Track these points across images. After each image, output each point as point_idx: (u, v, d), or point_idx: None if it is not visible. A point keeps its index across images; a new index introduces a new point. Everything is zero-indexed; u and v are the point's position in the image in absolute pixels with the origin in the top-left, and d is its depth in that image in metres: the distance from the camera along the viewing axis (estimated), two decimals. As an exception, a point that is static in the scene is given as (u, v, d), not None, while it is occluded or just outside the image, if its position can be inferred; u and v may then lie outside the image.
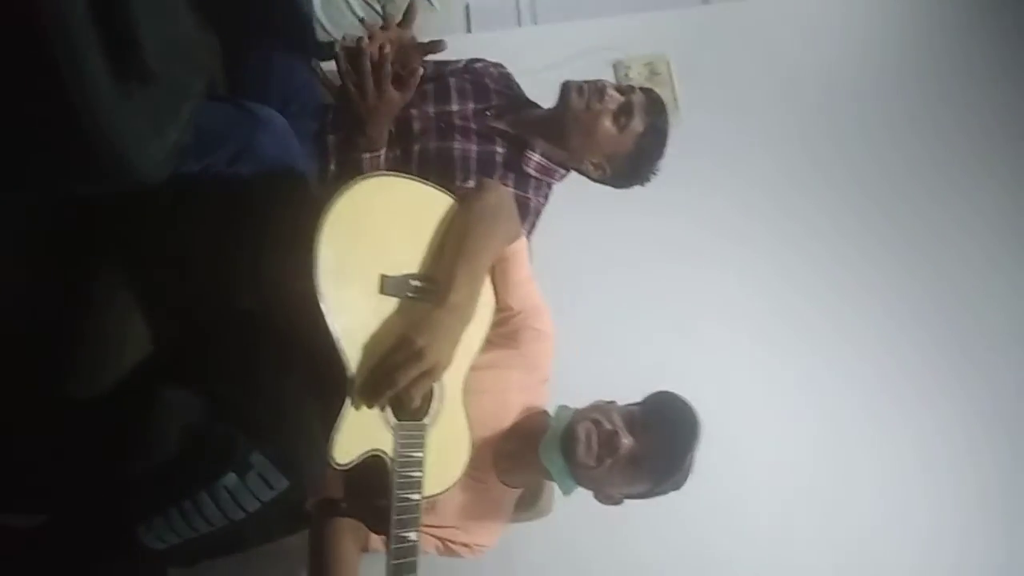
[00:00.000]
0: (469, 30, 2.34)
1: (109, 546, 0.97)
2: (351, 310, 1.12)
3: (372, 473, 1.14)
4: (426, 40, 1.39)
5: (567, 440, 1.35)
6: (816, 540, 2.11)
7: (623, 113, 1.62)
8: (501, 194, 1.33)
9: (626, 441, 1.34)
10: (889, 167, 2.39)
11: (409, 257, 1.22)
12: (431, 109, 1.63)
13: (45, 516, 1.00)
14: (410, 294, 1.19)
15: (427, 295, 1.20)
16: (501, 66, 1.79)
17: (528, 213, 1.61)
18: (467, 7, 2.34)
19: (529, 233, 1.61)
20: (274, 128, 1.21)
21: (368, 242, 1.16)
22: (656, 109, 1.66)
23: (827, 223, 2.33)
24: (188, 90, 0.84)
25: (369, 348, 1.13)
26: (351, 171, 1.48)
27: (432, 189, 1.27)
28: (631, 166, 1.68)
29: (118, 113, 0.65)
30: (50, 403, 1.01)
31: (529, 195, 1.62)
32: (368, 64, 1.35)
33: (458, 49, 1.74)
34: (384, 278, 1.17)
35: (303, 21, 1.39)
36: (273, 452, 0.98)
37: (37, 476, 0.97)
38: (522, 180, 1.61)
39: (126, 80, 0.67)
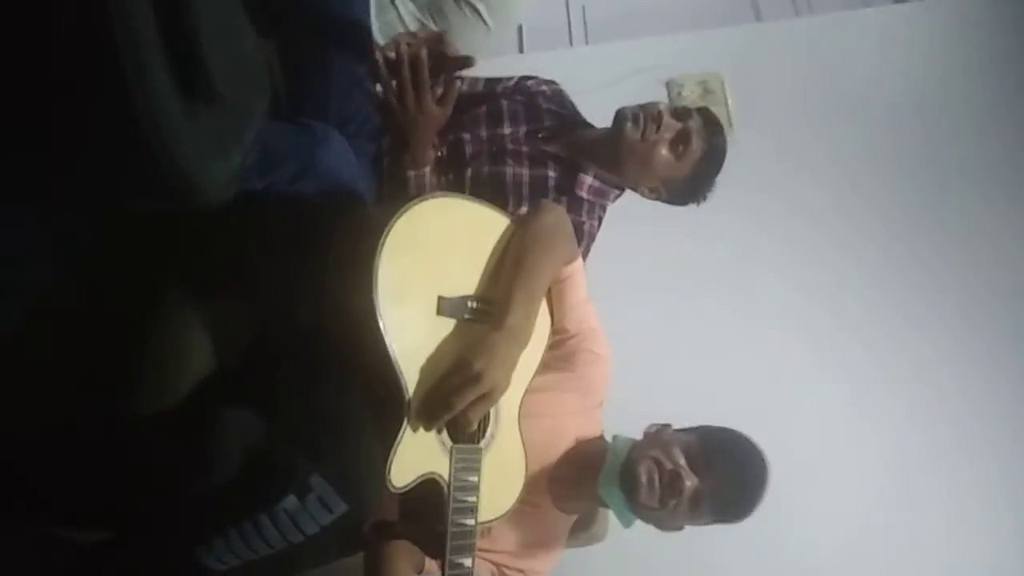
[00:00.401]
0: (522, 50, 2.34)
1: (169, 566, 0.97)
2: (409, 331, 1.11)
3: (428, 497, 1.12)
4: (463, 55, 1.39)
5: (628, 480, 1.32)
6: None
7: (681, 141, 1.59)
8: (558, 215, 1.32)
9: (689, 483, 1.31)
10: (950, 188, 2.31)
11: (467, 278, 1.21)
12: (483, 132, 1.62)
13: (108, 533, 1.00)
14: (467, 316, 1.18)
15: (484, 317, 1.19)
16: (554, 83, 1.77)
17: (582, 236, 1.59)
18: (520, 27, 2.34)
19: (584, 255, 1.60)
20: (334, 145, 1.22)
21: (426, 263, 1.16)
22: (714, 130, 1.63)
23: (885, 246, 2.25)
24: (252, 111, 0.85)
25: (426, 370, 1.13)
26: (398, 190, 1.48)
27: (490, 210, 1.27)
28: (688, 188, 1.66)
29: (185, 134, 0.65)
30: (114, 421, 1.02)
31: (583, 218, 1.61)
32: (407, 72, 1.35)
33: (511, 70, 1.75)
34: (442, 299, 1.16)
35: (363, 37, 1.40)
36: (333, 475, 0.97)
37: (101, 493, 0.97)
38: (575, 203, 1.59)
39: (193, 101, 0.68)
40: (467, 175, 1.56)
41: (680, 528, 1.36)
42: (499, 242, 1.25)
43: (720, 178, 1.68)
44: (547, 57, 2.00)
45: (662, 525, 1.36)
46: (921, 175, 2.31)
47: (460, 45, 1.65)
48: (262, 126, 0.88)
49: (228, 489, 0.95)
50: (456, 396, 1.07)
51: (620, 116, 1.60)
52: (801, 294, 2.15)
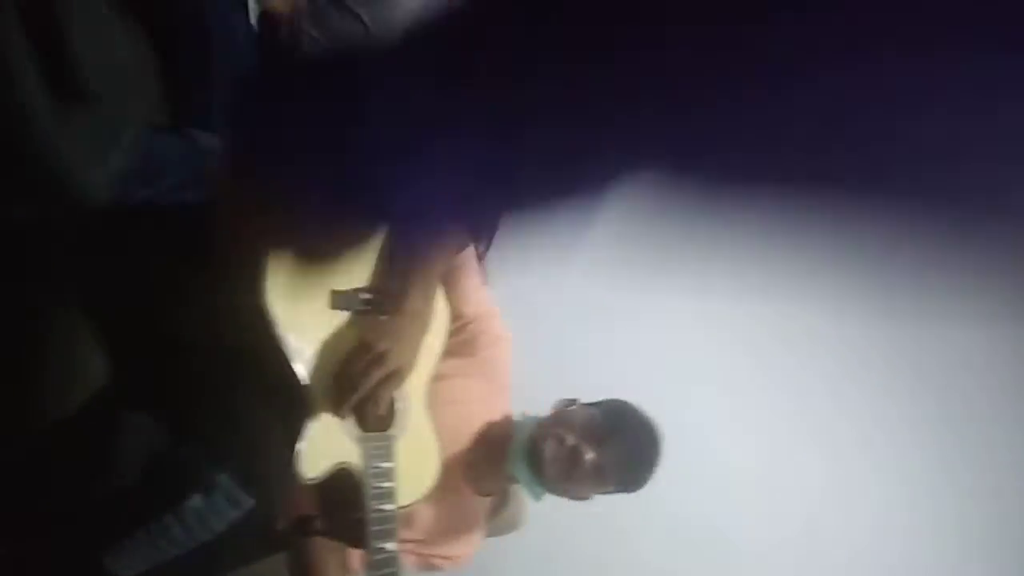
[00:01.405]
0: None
1: (73, 574, 0.95)
2: (303, 327, 1.12)
3: (344, 487, 1.14)
4: None
5: (533, 456, 1.38)
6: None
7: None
8: None
9: (589, 456, 1.37)
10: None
11: (357, 271, 1.23)
12: None
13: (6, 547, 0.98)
14: (361, 307, 1.21)
15: (379, 307, 1.21)
16: None
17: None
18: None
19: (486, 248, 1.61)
20: (219, 155, 1.22)
21: (315, 259, 1.17)
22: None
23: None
24: (131, 116, 0.86)
25: (325, 359, 1.14)
26: None
27: (376, 204, 1.29)
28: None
29: (56, 132, 0.66)
30: (9, 430, 1.00)
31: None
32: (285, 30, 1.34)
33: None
34: (334, 293, 1.18)
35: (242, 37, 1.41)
36: (238, 471, 0.98)
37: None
38: None
39: (65, 101, 0.69)
40: None
41: (587, 497, 1.42)
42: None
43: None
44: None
45: (569, 495, 1.41)
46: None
47: None
48: (144, 133, 0.88)
49: (131, 492, 0.94)
50: (361, 377, 1.08)
51: None
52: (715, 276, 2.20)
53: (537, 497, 1.42)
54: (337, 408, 1.10)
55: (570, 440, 1.37)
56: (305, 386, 1.09)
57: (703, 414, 2.02)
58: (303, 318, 1.13)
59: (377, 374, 1.10)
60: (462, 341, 1.43)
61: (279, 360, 1.08)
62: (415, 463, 1.26)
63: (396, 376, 1.13)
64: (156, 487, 0.96)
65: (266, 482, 1.00)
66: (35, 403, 1.02)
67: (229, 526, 0.97)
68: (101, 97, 0.71)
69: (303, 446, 1.06)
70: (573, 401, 1.47)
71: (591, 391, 1.46)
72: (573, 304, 2.02)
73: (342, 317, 1.18)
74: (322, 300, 1.16)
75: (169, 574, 0.98)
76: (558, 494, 1.41)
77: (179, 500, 0.94)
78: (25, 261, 1.10)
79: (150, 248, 1.16)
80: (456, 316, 1.40)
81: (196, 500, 0.95)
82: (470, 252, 1.41)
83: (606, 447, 1.37)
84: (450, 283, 1.38)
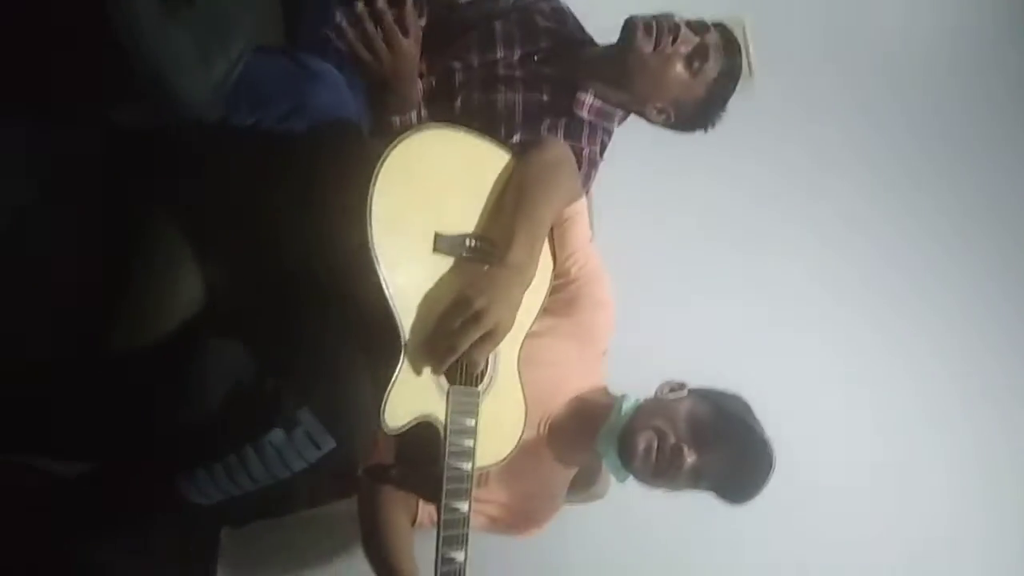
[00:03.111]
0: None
1: (151, 498, 0.94)
2: (404, 267, 1.07)
3: (424, 440, 1.09)
4: None
5: (625, 446, 1.28)
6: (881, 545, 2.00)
7: (697, 56, 1.45)
8: (561, 150, 1.26)
9: (690, 460, 1.27)
10: (977, 140, 2.20)
11: (465, 215, 1.16)
12: (474, 59, 1.51)
13: (88, 465, 0.98)
14: (466, 254, 1.14)
15: (484, 255, 1.14)
16: (556, 2, 1.64)
17: (583, 162, 1.47)
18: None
19: (586, 184, 1.49)
20: (329, 82, 1.17)
21: (423, 198, 1.11)
22: (732, 49, 1.50)
23: (907, 212, 2.17)
24: (239, 25, 0.80)
25: (423, 308, 1.08)
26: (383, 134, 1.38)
27: (489, 143, 1.21)
28: (700, 111, 1.54)
29: (161, 34, 0.61)
30: (97, 351, 0.98)
31: (583, 144, 1.49)
32: (371, 26, 1.20)
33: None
34: (439, 236, 1.11)
35: None
36: (322, 410, 0.94)
37: (80, 423, 0.94)
38: (575, 126, 1.47)
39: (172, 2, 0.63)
40: (456, 106, 1.47)
41: (677, 491, 1.33)
42: (499, 178, 1.20)
43: (739, 124, 1.56)
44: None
45: (657, 488, 1.33)
46: (948, 127, 2.21)
47: None
48: (250, 46, 0.83)
49: (213, 421, 0.92)
50: (459, 336, 1.02)
51: (630, 24, 1.46)
52: (814, 262, 2.08)
53: (621, 479, 1.33)
54: (432, 364, 1.05)
55: (671, 437, 1.27)
56: (399, 331, 1.04)
57: (823, 420, 1.89)
58: (406, 258, 1.07)
59: (474, 333, 1.03)
60: (562, 300, 1.34)
61: (378, 303, 1.02)
62: (500, 423, 1.20)
63: (493, 335, 1.06)
64: (238, 418, 0.93)
65: (348, 425, 0.96)
66: (130, 321, 0.99)
67: (307, 466, 0.93)
68: (210, 2, 0.66)
69: (390, 395, 1.02)
70: (682, 385, 1.36)
71: (698, 373, 1.35)
72: (687, 275, 1.92)
73: (445, 261, 1.12)
74: (428, 241, 1.10)
75: (242, 508, 0.96)
76: (645, 485, 1.32)
77: (260, 433, 0.91)
78: (131, 175, 1.08)
79: (255, 175, 1.12)
80: (560, 273, 1.32)
81: (277, 435, 0.92)
82: (582, 206, 1.32)
83: (710, 452, 1.27)
84: (557, 238, 1.30)
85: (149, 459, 0.94)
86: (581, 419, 1.34)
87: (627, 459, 1.28)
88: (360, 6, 1.20)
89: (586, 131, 1.49)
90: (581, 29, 1.62)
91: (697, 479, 1.28)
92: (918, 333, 2.12)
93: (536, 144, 1.27)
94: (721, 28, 1.51)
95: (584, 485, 1.55)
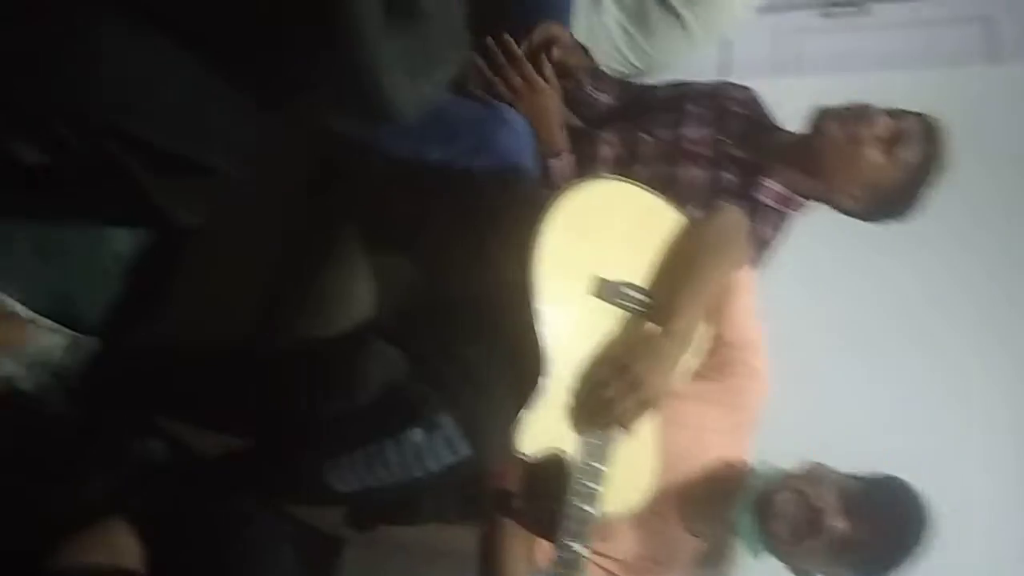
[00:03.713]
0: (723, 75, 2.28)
1: (299, 477, 1.02)
2: (561, 304, 1.10)
3: (551, 474, 1.11)
4: None
5: (763, 506, 1.23)
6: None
7: (895, 140, 1.39)
8: (736, 219, 1.27)
9: (836, 525, 1.19)
10: None
11: (628, 265, 1.18)
12: (663, 133, 1.55)
13: (242, 439, 1.07)
14: (625, 303, 1.16)
15: (644, 310, 1.16)
16: (749, 89, 1.64)
17: (754, 243, 1.43)
18: (728, 52, 2.31)
19: (756, 267, 1.44)
20: (515, 128, 1.25)
21: (588, 241, 1.15)
22: (934, 137, 1.42)
23: None
24: (445, 56, 0.89)
25: (574, 346, 1.12)
26: (546, 181, 1.43)
27: (660, 200, 1.24)
28: (895, 200, 1.45)
29: (381, 42, 0.69)
30: (279, 339, 1.10)
31: (761, 225, 1.45)
32: (505, 61, 1.35)
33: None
34: (600, 280, 1.15)
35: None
36: (463, 419, 0.99)
37: (245, 400, 1.05)
38: (754, 208, 1.44)
39: (396, 14, 0.72)
40: (637, 173, 1.47)
41: (814, 573, 1.25)
42: (668, 234, 1.22)
43: (924, 229, 1.48)
44: (752, 84, 1.91)
45: (792, 565, 1.24)
46: None
47: (662, 56, 1.63)
48: (450, 77, 0.92)
49: (363, 412, 0.99)
50: (616, 404, 1.06)
51: (818, 114, 1.43)
52: (995, 368, 1.90)
53: (755, 553, 1.26)
54: (588, 425, 1.09)
55: (816, 501, 1.20)
56: (547, 362, 1.07)
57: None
58: (564, 296, 1.11)
59: (631, 400, 1.06)
60: (715, 364, 1.32)
61: (529, 329, 1.07)
62: (630, 474, 1.19)
63: (648, 403, 1.08)
64: (385, 412, 1.00)
65: (486, 438, 1.00)
66: (311, 317, 1.11)
67: (441, 469, 0.98)
68: (431, 18, 0.74)
69: (529, 422, 1.05)
70: (829, 469, 1.28)
71: (850, 458, 1.27)
72: (849, 352, 1.81)
73: (602, 306, 1.14)
74: (586, 284, 1.13)
75: (375, 502, 1.01)
76: (781, 559, 1.25)
77: (403, 429, 0.97)
78: (334, 201, 1.21)
79: (438, 205, 1.22)
80: (715, 336, 1.30)
81: (418, 434, 0.97)
82: (748, 274, 1.30)
83: (861, 519, 1.19)
84: (719, 302, 1.29)
85: (302, 440, 1.02)
86: (717, 485, 1.29)
87: (764, 518, 1.21)
88: (489, 40, 1.33)
89: (766, 214, 1.47)
90: (772, 119, 1.61)
91: (839, 551, 1.18)
92: None
93: (712, 210, 1.28)
94: (920, 115, 1.45)
95: (709, 563, 1.47)
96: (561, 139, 1.44)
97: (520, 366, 1.07)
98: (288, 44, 0.71)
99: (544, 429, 1.08)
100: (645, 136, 1.54)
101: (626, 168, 1.52)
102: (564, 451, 1.10)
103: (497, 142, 1.25)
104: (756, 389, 1.35)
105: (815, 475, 1.26)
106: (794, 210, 1.49)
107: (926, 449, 1.41)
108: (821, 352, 1.80)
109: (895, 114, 1.43)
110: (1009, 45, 2.36)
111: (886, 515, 1.19)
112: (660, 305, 1.15)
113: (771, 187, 1.45)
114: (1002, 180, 2.07)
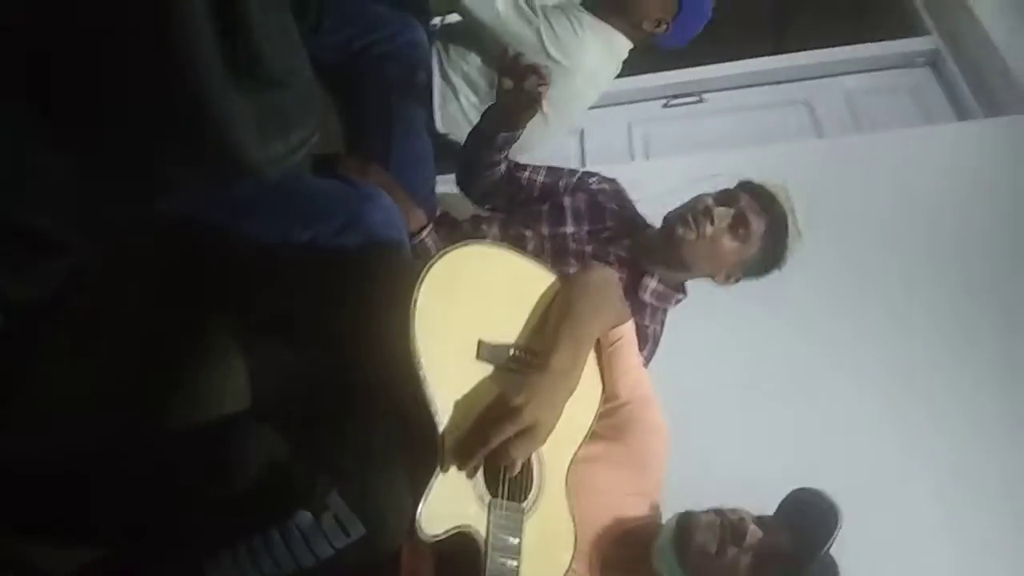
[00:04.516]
0: (583, 164, 2.41)
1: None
2: (446, 371, 1.07)
3: (462, 554, 1.03)
4: None
5: (683, 529, 1.19)
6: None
7: (740, 225, 1.55)
8: (606, 274, 1.29)
9: (755, 530, 1.18)
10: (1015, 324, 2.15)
11: (508, 326, 1.18)
12: (545, 230, 1.64)
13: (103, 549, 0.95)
14: (509, 364, 1.14)
15: (527, 365, 1.14)
16: (614, 181, 1.79)
17: (647, 340, 1.54)
18: (581, 139, 2.45)
19: (647, 360, 1.54)
20: (380, 203, 1.24)
21: (466, 306, 1.14)
22: (766, 201, 1.58)
23: (945, 380, 2.08)
24: (301, 121, 0.88)
25: (463, 412, 1.07)
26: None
27: (534, 263, 1.25)
28: (762, 262, 1.60)
29: (226, 95, 0.68)
30: (143, 431, 0.99)
31: (647, 322, 1.56)
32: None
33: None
34: (482, 344, 1.13)
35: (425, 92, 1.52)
36: (353, 494, 0.91)
37: (118, 499, 0.93)
38: (638, 306, 1.55)
39: (238, 75, 0.71)
40: None
41: None
42: (543, 295, 1.23)
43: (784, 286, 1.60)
44: (607, 169, 2.04)
45: None
46: (988, 300, 2.17)
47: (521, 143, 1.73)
48: (310, 142, 0.91)
49: (242, 499, 0.89)
50: (492, 429, 1.01)
51: (668, 222, 1.59)
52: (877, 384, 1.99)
53: None
54: (465, 458, 1.02)
55: (732, 515, 1.19)
56: (438, 431, 1.02)
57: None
58: (448, 362, 1.08)
59: (509, 429, 1.02)
60: (613, 425, 1.30)
61: (418, 406, 1.03)
62: (545, 546, 1.13)
63: (530, 435, 1.04)
64: (267, 498, 0.91)
65: (381, 514, 0.92)
66: (178, 406, 1.02)
67: (335, 554, 0.89)
68: (274, 87, 0.74)
69: (428, 499, 0.98)
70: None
71: (759, 498, 1.26)
72: (742, 392, 1.84)
73: (487, 369, 1.12)
74: (471, 348, 1.11)
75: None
76: None
77: (288, 514, 0.88)
78: (201, 288, 1.15)
79: (308, 287, 1.18)
80: (610, 396, 1.29)
81: (305, 518, 0.88)
82: (629, 330, 1.31)
83: (779, 532, 1.18)
84: (606, 361, 1.29)
85: (178, 537, 0.91)
86: (636, 545, 1.24)
87: (685, 538, 1.17)
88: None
89: (648, 311, 1.58)
90: (637, 213, 1.74)
91: (762, 564, 1.15)
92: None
93: (581, 268, 1.30)
94: (748, 185, 1.61)
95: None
96: (416, 219, 1.55)
97: (411, 439, 1.01)
98: (132, 98, 0.68)
99: (447, 503, 1.02)
100: (528, 233, 1.62)
101: None
102: (472, 527, 1.03)
103: (364, 219, 1.24)
104: (657, 446, 1.33)
105: (727, 507, 1.24)
106: (668, 305, 1.61)
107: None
108: (711, 403, 1.82)
109: (727, 199, 1.58)
110: (825, 124, 2.63)
111: (803, 520, 1.18)
112: (540, 354, 1.14)
113: (649, 285, 1.57)
114: (834, 233, 2.23)
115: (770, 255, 1.59)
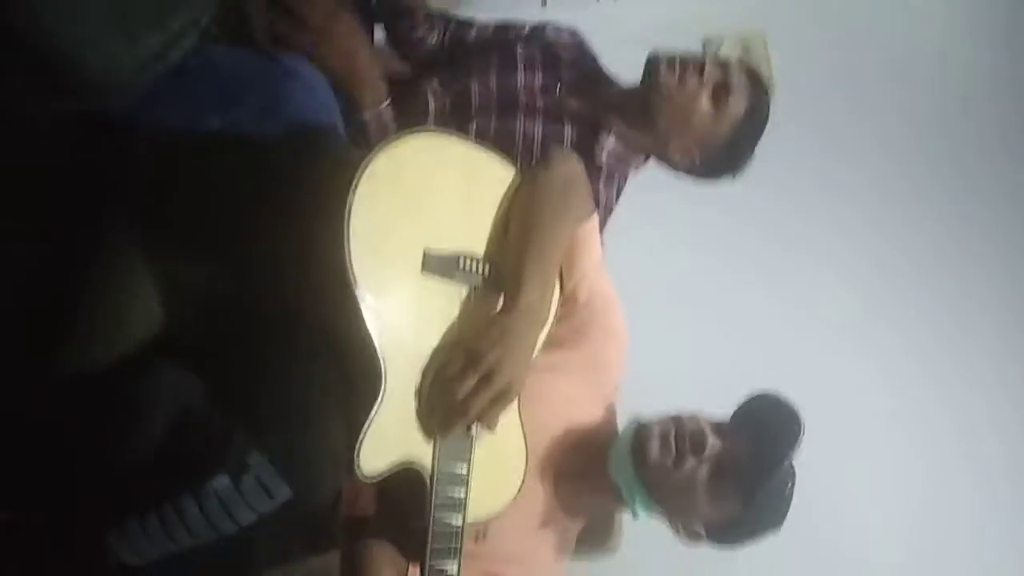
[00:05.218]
0: (544, 3, 2.16)
1: (76, 553, 0.79)
2: (386, 290, 0.94)
3: (409, 490, 0.96)
4: None
5: (639, 439, 1.13)
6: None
7: (722, 91, 1.40)
8: (572, 166, 1.14)
9: (713, 441, 1.12)
10: (995, 168, 2.10)
11: (460, 231, 1.03)
12: (493, 81, 1.44)
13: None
14: (459, 276, 1.01)
15: (481, 279, 1.02)
16: (575, 32, 1.58)
17: (597, 207, 1.38)
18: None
19: (600, 229, 1.39)
20: (306, 79, 1.04)
21: (410, 210, 0.98)
22: (759, 90, 1.43)
23: (930, 222, 2.04)
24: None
25: (409, 337, 0.95)
26: (360, 140, 1.26)
27: (489, 153, 1.09)
28: (725, 154, 1.45)
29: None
30: (42, 373, 0.85)
31: (600, 188, 1.41)
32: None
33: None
34: (428, 254, 0.98)
35: None
36: (277, 453, 0.79)
37: (12, 454, 0.80)
38: (592, 171, 1.38)
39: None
40: (471, 129, 1.38)
41: (700, 534, 1.17)
42: (500, 192, 1.07)
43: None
44: (571, 10, 1.81)
45: (678, 512, 1.16)
46: (964, 152, 2.10)
47: None
48: (200, 20, 0.70)
49: (152, 461, 0.77)
50: (472, 400, 0.92)
51: (653, 60, 1.40)
52: (834, 275, 1.95)
53: (639, 509, 1.17)
54: (431, 420, 0.94)
55: (691, 425, 1.14)
56: (380, 363, 0.90)
57: (851, 463, 1.73)
58: (389, 280, 0.95)
59: (486, 394, 0.93)
60: (569, 329, 1.20)
61: (355, 330, 0.90)
62: (497, 470, 1.06)
63: (506, 395, 0.95)
64: (180, 460, 0.79)
65: (309, 472, 0.82)
66: (79, 343, 0.86)
67: (260, 519, 0.78)
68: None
69: (367, 437, 0.88)
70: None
71: (718, 402, 1.20)
72: (703, 305, 1.77)
73: (436, 283, 0.99)
74: (415, 260, 0.97)
75: (186, 567, 0.80)
76: (666, 505, 1.16)
77: (201, 478, 0.77)
78: (88, 194, 0.95)
79: (221, 185, 1.00)
80: (567, 298, 1.18)
81: (222, 481, 0.77)
82: (593, 227, 1.18)
83: (736, 438, 1.13)
84: (565, 260, 1.16)
85: (74, 505, 0.79)
86: (590, 454, 1.19)
87: (642, 449, 1.12)
88: None
89: (603, 175, 1.42)
90: (600, 67, 1.56)
91: (721, 473, 1.11)
92: (946, 357, 1.97)
93: (544, 159, 1.14)
94: (748, 68, 1.47)
95: (598, 540, 1.38)
96: (378, 89, 1.27)
97: (348, 373, 0.89)
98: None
99: (389, 439, 0.92)
100: (474, 85, 1.42)
101: (460, 123, 1.39)
102: (418, 461, 0.95)
103: (288, 99, 1.05)
104: (616, 350, 1.25)
105: (685, 412, 1.19)
106: (628, 168, 1.46)
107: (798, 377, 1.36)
108: (672, 303, 1.75)
109: (723, 66, 1.43)
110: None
111: (759, 425, 1.14)
112: (504, 273, 1.02)
113: (606, 145, 1.41)
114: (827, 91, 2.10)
115: (733, 151, 1.46)
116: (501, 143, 1.34)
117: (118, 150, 0.95)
